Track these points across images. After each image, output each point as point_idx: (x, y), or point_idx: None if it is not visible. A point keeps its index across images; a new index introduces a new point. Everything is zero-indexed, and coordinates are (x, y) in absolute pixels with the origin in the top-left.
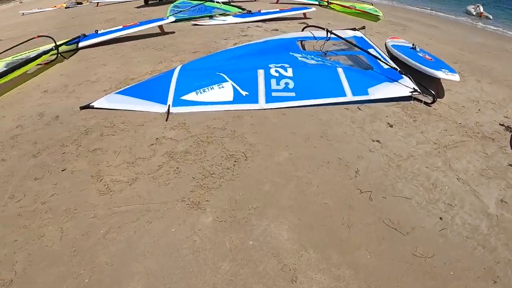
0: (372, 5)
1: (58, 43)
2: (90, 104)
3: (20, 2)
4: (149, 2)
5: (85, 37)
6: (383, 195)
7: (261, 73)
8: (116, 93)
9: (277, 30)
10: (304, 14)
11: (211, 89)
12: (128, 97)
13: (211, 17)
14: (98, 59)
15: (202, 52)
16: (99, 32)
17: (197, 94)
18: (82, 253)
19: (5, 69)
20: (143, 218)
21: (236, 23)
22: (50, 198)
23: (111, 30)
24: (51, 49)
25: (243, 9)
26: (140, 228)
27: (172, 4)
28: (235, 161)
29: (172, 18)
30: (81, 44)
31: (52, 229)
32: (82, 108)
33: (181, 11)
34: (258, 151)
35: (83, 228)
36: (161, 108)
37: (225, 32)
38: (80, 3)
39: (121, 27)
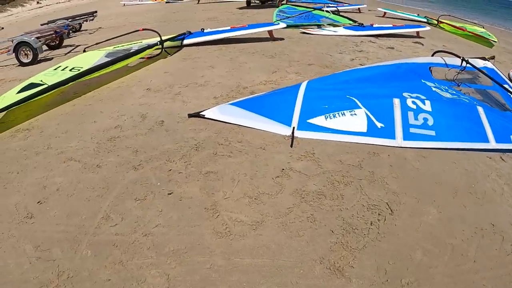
0: (484, 28)
1: (163, 38)
2: (201, 113)
3: None
4: (251, 4)
5: (190, 34)
6: None
7: (397, 103)
8: (231, 104)
9: (392, 48)
10: (418, 32)
11: (342, 115)
12: (245, 110)
13: (319, 26)
14: (204, 59)
15: (317, 65)
16: (205, 31)
17: (326, 118)
18: None
19: (107, 59)
20: (273, 280)
21: (348, 35)
22: (153, 229)
23: (217, 30)
24: (156, 44)
25: (354, 21)
26: None
27: (277, 9)
28: (379, 214)
29: (283, 24)
30: (185, 42)
31: (156, 274)
32: (191, 115)
33: (288, 17)
34: (404, 203)
35: (196, 281)
36: (283, 130)
37: (337, 44)
38: None
39: (228, 28)
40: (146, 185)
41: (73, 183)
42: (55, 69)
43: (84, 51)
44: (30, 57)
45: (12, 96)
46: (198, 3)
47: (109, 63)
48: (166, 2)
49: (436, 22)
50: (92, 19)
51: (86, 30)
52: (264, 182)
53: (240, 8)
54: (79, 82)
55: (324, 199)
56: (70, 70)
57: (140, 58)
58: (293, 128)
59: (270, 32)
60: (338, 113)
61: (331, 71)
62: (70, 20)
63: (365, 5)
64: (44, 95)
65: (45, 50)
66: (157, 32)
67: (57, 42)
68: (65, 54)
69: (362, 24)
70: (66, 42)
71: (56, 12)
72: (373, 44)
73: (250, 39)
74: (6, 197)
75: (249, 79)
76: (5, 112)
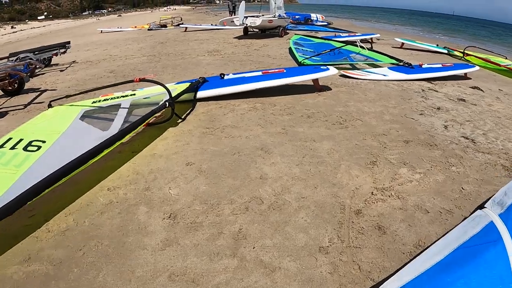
0: (507, 58)
1: (172, 92)
2: None
3: (97, 19)
4: (249, 32)
5: (205, 82)
6: None
7: None
8: None
9: (464, 100)
10: (465, 74)
11: None
12: None
13: (353, 66)
14: (242, 131)
15: (416, 142)
16: (226, 77)
17: None
18: None
19: (85, 126)
20: None
21: (399, 80)
22: None
23: (244, 77)
24: (164, 106)
25: (400, 61)
26: None
27: (291, 41)
28: None
29: (333, 70)
30: (200, 94)
31: None
32: None
33: (317, 54)
34: None
35: None
36: None
37: (403, 97)
38: (165, 26)
39: (260, 73)
40: None
41: None
42: (1, 146)
43: (50, 106)
44: None
45: None
46: (185, 31)
47: (96, 150)
48: (149, 29)
49: (461, 54)
50: (64, 52)
51: (57, 64)
52: None
53: (239, 38)
54: None
55: None
56: (25, 148)
57: None
58: None
59: (315, 81)
60: None
61: (441, 154)
62: (37, 52)
63: (378, 35)
64: None
65: None
66: (163, 86)
67: (15, 86)
68: (25, 106)
69: (410, 64)
70: (28, 84)
71: (30, 39)
72: (438, 94)
73: (286, 89)
74: None
75: (346, 185)
76: None
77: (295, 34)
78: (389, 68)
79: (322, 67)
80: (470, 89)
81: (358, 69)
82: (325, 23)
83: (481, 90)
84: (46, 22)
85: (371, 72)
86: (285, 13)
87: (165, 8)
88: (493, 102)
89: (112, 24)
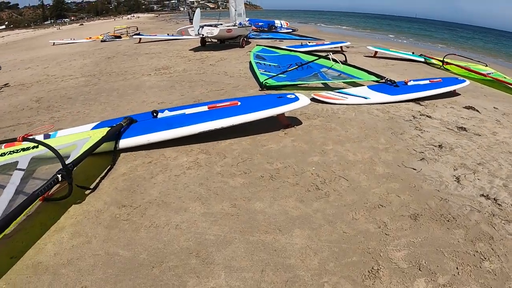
0: (487, 65)
1: (71, 159)
2: None
3: (58, 29)
4: (207, 43)
5: (131, 124)
6: None
7: None
8: None
9: (464, 129)
10: (454, 90)
11: None
12: None
13: (325, 84)
14: (172, 209)
15: (427, 217)
16: (160, 115)
17: None
18: None
19: None
20: None
21: (382, 103)
22: None
23: (184, 115)
24: (55, 179)
25: (381, 77)
26: None
27: (252, 53)
28: None
29: (305, 99)
30: (123, 143)
31: None
32: None
33: (284, 72)
34: None
35: None
36: None
37: (394, 131)
38: (119, 37)
39: (205, 108)
40: None
41: None
42: None
43: None
44: None
45: None
46: (139, 42)
47: None
48: (102, 41)
49: (440, 62)
50: None
51: None
52: None
53: (195, 50)
54: None
55: None
56: None
57: None
58: None
59: (281, 115)
60: None
61: (464, 236)
62: None
63: (348, 42)
64: None
65: None
66: (52, 149)
67: None
68: None
69: (395, 82)
70: None
71: None
72: (433, 122)
73: (240, 130)
74: None
75: None
76: None
77: (257, 45)
78: (369, 87)
79: (288, 96)
80: (464, 109)
81: (331, 88)
82: (290, 30)
83: (477, 110)
84: (6, 32)
85: (349, 94)
86: (247, 20)
87: (129, 16)
88: (496, 129)
89: (71, 34)
